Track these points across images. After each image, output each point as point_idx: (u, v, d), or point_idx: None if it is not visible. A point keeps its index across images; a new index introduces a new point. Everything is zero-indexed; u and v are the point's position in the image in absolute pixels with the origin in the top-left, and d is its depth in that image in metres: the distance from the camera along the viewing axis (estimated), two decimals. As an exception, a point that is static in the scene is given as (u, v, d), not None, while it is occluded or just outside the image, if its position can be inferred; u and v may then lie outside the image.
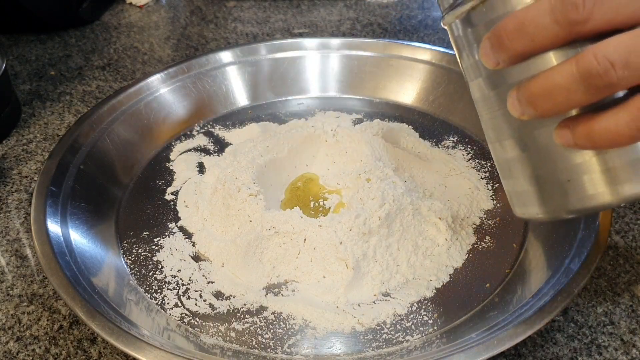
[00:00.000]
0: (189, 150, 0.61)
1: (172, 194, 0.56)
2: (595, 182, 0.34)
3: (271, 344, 0.43)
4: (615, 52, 0.29)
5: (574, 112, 0.33)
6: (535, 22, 0.31)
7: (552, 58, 0.32)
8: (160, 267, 0.49)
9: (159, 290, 0.47)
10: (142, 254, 0.50)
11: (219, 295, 0.47)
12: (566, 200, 0.35)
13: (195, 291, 0.47)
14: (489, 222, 0.52)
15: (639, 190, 0.33)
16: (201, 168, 0.59)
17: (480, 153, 0.59)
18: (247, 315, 0.45)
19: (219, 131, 0.64)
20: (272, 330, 0.44)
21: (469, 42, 0.37)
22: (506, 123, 0.36)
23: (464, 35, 0.37)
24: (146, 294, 0.47)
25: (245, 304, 0.46)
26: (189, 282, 0.48)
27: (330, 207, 0.53)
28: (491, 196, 0.54)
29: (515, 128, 0.36)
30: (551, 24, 0.31)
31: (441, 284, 0.47)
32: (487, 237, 0.51)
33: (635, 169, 0.33)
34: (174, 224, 0.53)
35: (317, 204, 0.53)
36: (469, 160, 0.59)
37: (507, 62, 0.34)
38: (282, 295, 0.46)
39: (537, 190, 0.37)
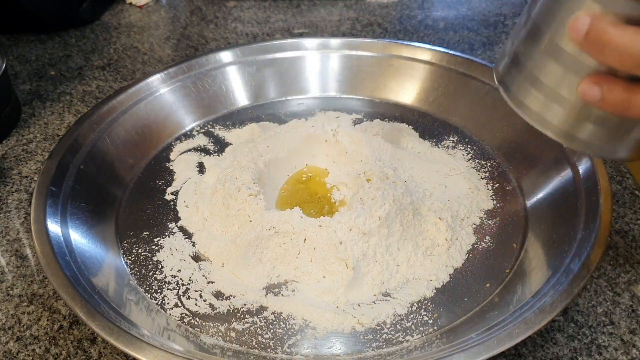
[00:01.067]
0: (189, 150, 0.61)
1: (172, 194, 0.56)
2: (560, 116, 0.36)
3: (271, 344, 0.43)
4: None
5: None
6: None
7: None
8: (160, 267, 0.49)
9: (159, 290, 0.47)
10: (142, 254, 0.50)
11: (219, 295, 0.47)
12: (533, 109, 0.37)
13: (195, 291, 0.47)
14: (489, 222, 0.52)
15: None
16: (201, 168, 0.59)
17: (480, 153, 0.59)
18: (247, 315, 0.45)
19: (219, 131, 0.64)
20: (272, 330, 0.44)
21: None
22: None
23: None
24: (146, 294, 0.47)
25: (245, 304, 0.46)
26: (189, 282, 0.48)
27: (333, 203, 0.53)
28: (491, 196, 0.54)
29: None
30: None
31: (441, 284, 0.47)
32: (487, 237, 0.51)
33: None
34: (174, 224, 0.53)
35: (318, 200, 0.53)
36: (469, 160, 0.59)
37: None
38: (282, 295, 0.46)
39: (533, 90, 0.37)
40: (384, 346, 0.42)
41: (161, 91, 0.64)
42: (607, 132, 0.36)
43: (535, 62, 0.37)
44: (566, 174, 0.51)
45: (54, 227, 0.48)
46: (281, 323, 0.44)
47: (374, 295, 0.46)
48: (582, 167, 0.50)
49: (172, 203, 0.55)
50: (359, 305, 0.45)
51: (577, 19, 0.33)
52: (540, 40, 0.36)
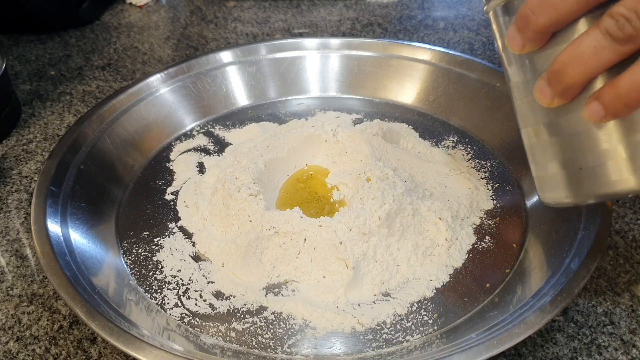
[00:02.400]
0: (189, 150, 0.61)
1: (172, 194, 0.56)
2: (620, 168, 0.35)
3: (271, 344, 0.43)
4: (625, 8, 0.32)
5: (600, 85, 0.34)
6: None
7: (577, 31, 0.35)
8: (160, 267, 0.49)
9: (159, 290, 0.47)
10: (142, 254, 0.50)
11: (219, 295, 0.47)
12: (592, 184, 0.37)
13: (195, 291, 0.47)
14: (489, 222, 0.52)
15: None
16: (201, 168, 0.59)
17: (480, 153, 0.59)
18: (247, 315, 0.45)
19: (219, 131, 0.64)
20: (272, 330, 0.44)
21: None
22: (536, 109, 0.38)
23: (503, 24, 0.39)
24: (146, 294, 0.47)
25: (245, 304, 0.46)
26: (189, 282, 0.48)
27: (333, 203, 0.53)
28: (491, 196, 0.54)
29: (545, 114, 0.38)
30: None
31: (441, 284, 0.47)
32: (487, 237, 0.51)
33: None
34: (174, 224, 0.53)
35: (318, 200, 0.53)
36: (469, 160, 0.59)
37: (533, 40, 0.36)
38: (282, 295, 0.46)
39: (566, 175, 0.38)
40: (384, 346, 0.42)
41: (161, 91, 0.64)
42: None
43: (554, 153, 0.38)
44: (566, 174, 0.51)
45: (54, 227, 0.48)
46: (281, 323, 0.44)
47: (374, 295, 0.46)
48: (582, 167, 0.50)
49: (172, 203, 0.55)
50: (359, 305, 0.45)
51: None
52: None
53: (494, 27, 0.40)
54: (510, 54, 0.39)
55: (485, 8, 0.40)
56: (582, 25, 0.35)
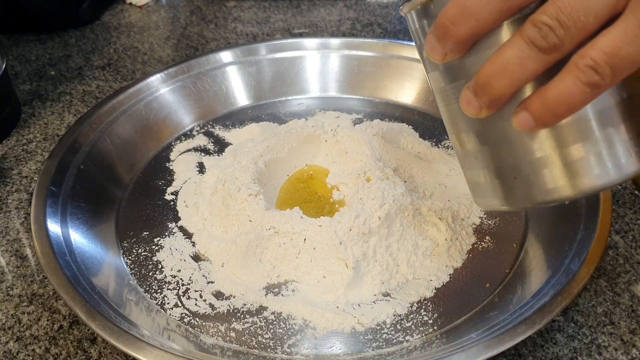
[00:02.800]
0: (189, 150, 0.61)
1: (172, 194, 0.56)
2: (555, 176, 0.34)
3: (271, 344, 0.43)
4: (547, 16, 0.30)
5: (528, 92, 0.33)
6: (473, 1, 0.32)
7: (501, 38, 0.33)
8: (160, 267, 0.49)
9: (159, 290, 0.47)
10: (142, 254, 0.50)
11: (219, 295, 0.47)
12: (528, 192, 0.35)
13: (195, 291, 0.47)
14: (489, 222, 0.52)
15: (597, 184, 0.33)
16: (201, 168, 0.59)
17: (480, 153, 0.59)
18: (247, 315, 0.45)
19: (219, 131, 0.64)
20: (272, 330, 0.44)
21: (425, 34, 0.36)
22: (464, 116, 0.36)
23: (420, 28, 0.36)
24: (146, 294, 0.47)
25: (245, 304, 0.46)
26: (189, 282, 0.48)
27: (333, 203, 0.53)
28: (491, 196, 0.54)
29: (473, 122, 0.36)
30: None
31: (441, 284, 0.47)
32: (487, 237, 0.51)
33: (592, 163, 0.33)
34: (174, 224, 0.53)
35: (318, 200, 0.53)
36: (469, 160, 0.59)
37: (454, 50, 0.34)
38: (282, 295, 0.46)
39: (499, 183, 0.36)
40: (384, 346, 0.42)
41: (161, 91, 0.64)
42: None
43: (485, 161, 0.37)
44: (566, 174, 0.51)
45: (54, 227, 0.48)
46: (281, 323, 0.44)
47: (374, 295, 0.46)
48: (582, 167, 0.50)
49: (172, 203, 0.55)
50: (359, 305, 0.45)
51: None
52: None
53: (412, 29, 0.37)
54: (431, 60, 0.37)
55: (400, 9, 0.38)
56: (505, 32, 0.33)
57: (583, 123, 0.33)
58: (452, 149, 0.60)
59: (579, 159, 0.33)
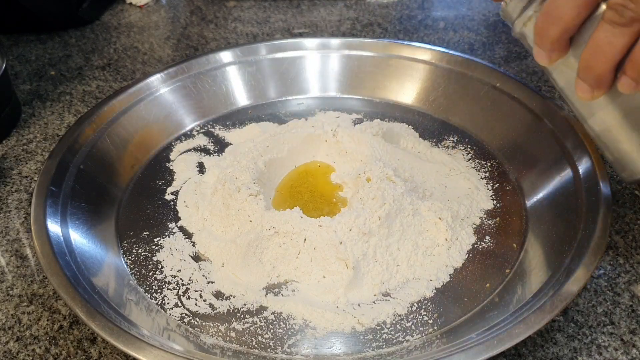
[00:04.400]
0: (189, 150, 0.61)
1: (172, 194, 0.56)
2: None
3: (271, 344, 0.43)
4: None
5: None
6: (556, 5, 0.40)
7: (592, 30, 0.39)
8: (160, 267, 0.49)
9: (159, 290, 0.47)
10: (142, 254, 0.50)
11: (219, 295, 0.47)
12: None
13: (195, 291, 0.47)
14: (489, 222, 0.52)
15: None
16: (201, 168, 0.59)
17: (480, 153, 0.59)
18: (247, 315, 0.45)
19: (219, 131, 0.64)
20: (272, 330, 0.44)
21: None
22: (590, 103, 0.43)
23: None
24: (146, 294, 0.47)
25: (245, 304, 0.46)
26: (189, 282, 0.48)
27: (333, 203, 0.53)
28: (491, 196, 0.54)
29: (599, 103, 0.42)
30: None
31: (441, 284, 0.47)
32: (487, 237, 0.51)
33: None
34: (174, 224, 0.53)
35: (318, 200, 0.53)
36: (469, 160, 0.59)
37: (553, 50, 0.42)
38: (282, 295, 0.46)
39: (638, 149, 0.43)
40: (384, 346, 0.42)
41: (161, 91, 0.64)
42: None
43: (622, 132, 0.44)
44: (566, 174, 0.51)
45: (54, 227, 0.48)
46: (281, 323, 0.44)
47: (374, 295, 0.46)
48: (582, 167, 0.50)
49: (172, 203, 0.55)
50: (359, 305, 0.45)
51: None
52: None
53: (527, 45, 0.45)
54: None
55: (513, 33, 0.46)
56: (594, 25, 0.39)
57: None
58: (452, 149, 0.60)
59: None
